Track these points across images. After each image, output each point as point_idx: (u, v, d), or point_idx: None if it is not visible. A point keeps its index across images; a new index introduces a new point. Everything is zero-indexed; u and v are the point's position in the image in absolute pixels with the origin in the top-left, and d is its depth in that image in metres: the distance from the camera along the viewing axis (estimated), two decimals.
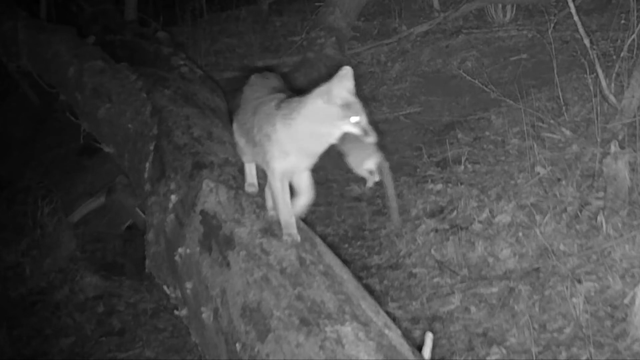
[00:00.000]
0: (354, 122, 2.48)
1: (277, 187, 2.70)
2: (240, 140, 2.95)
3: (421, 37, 7.02)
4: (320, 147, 2.63)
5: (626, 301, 3.38)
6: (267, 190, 2.88)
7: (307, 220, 3.03)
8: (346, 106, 2.48)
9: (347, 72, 2.47)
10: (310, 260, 2.62)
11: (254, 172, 3.06)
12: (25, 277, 5.09)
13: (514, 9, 6.96)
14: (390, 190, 2.66)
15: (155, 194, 3.50)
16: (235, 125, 3.02)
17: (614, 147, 3.97)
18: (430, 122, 5.69)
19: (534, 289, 3.67)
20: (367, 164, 2.56)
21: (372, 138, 2.51)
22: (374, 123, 2.54)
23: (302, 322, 2.35)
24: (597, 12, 6.43)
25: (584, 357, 3.18)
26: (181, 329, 4.14)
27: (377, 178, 2.83)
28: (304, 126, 2.55)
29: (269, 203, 2.89)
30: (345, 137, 2.56)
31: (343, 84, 2.48)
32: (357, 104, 2.48)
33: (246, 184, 3.06)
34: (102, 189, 5.65)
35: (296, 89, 2.81)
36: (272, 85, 2.89)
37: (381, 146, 2.62)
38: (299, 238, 2.71)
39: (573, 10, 4.92)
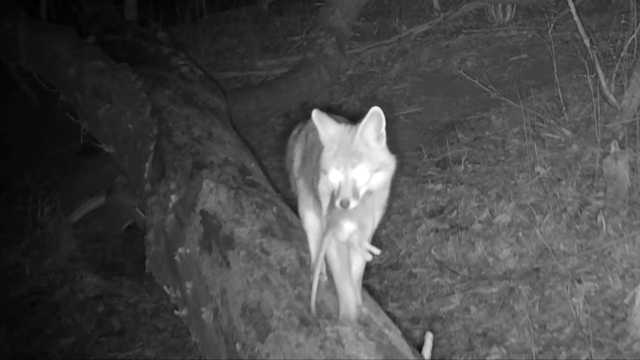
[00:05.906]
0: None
1: (334, 255, 2.25)
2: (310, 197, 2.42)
3: (421, 37, 7.01)
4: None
5: (626, 301, 3.38)
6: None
7: None
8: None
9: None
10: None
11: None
12: (25, 277, 5.09)
13: (514, 9, 6.94)
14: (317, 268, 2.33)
15: (155, 194, 3.50)
16: (301, 181, 2.49)
17: (614, 147, 3.97)
18: (430, 122, 5.68)
19: (534, 289, 3.67)
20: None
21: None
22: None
23: (302, 322, 2.35)
24: (597, 12, 6.42)
25: (584, 357, 3.18)
26: (181, 329, 4.13)
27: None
28: None
29: (313, 253, 2.44)
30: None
31: None
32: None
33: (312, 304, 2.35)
34: (102, 189, 5.65)
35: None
36: None
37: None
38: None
39: (573, 10, 4.91)
